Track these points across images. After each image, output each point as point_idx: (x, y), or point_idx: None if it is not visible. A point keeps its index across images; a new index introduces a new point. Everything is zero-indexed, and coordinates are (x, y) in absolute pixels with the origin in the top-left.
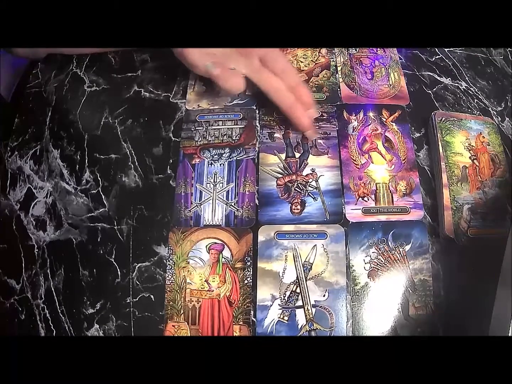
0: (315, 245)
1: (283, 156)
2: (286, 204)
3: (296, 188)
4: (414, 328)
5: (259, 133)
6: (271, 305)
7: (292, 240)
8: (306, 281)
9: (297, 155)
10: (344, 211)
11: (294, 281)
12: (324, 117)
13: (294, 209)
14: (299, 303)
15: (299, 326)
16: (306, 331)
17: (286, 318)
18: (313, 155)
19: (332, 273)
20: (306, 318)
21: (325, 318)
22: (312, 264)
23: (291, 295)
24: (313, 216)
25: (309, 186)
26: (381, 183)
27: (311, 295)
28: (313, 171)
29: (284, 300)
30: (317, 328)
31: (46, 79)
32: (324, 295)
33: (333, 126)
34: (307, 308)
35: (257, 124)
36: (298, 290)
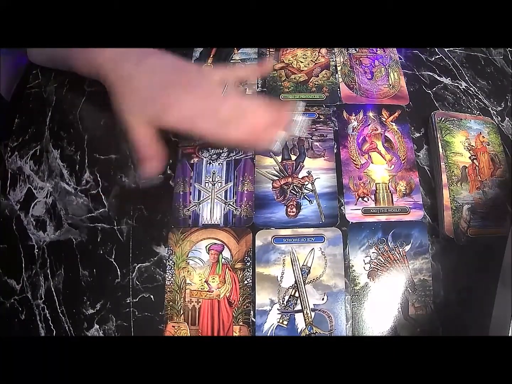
0: (313, 248)
1: (279, 158)
2: (281, 207)
3: (291, 191)
4: (414, 328)
5: None
6: (270, 310)
7: (289, 244)
8: (304, 285)
9: (293, 157)
10: (344, 211)
11: (292, 285)
12: (321, 119)
13: (290, 212)
14: (298, 307)
15: (299, 330)
16: (305, 335)
17: (285, 322)
18: (309, 157)
19: (330, 276)
20: (305, 322)
21: (325, 321)
22: (310, 267)
23: (290, 299)
24: (308, 218)
25: (305, 188)
26: (381, 183)
27: (310, 299)
28: (309, 174)
29: (283, 305)
30: (316, 332)
31: (46, 79)
32: (323, 299)
33: (329, 128)
34: (306, 312)
35: None
36: (296, 294)
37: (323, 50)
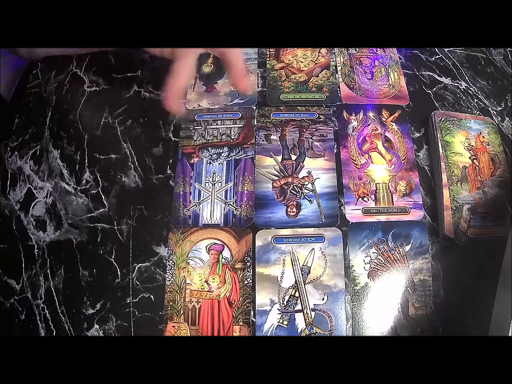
0: (313, 248)
1: (279, 158)
2: (281, 207)
3: (291, 191)
4: (414, 328)
5: (256, 134)
6: (270, 310)
7: (289, 244)
8: (304, 285)
9: (293, 157)
10: (344, 211)
11: (292, 285)
12: (321, 119)
13: (290, 212)
14: (298, 307)
15: (299, 330)
16: (305, 335)
17: (285, 322)
18: (310, 157)
19: (331, 276)
20: (305, 322)
21: (325, 321)
22: (310, 267)
23: (290, 299)
24: (308, 218)
25: (305, 188)
26: (381, 183)
27: (310, 299)
28: (309, 174)
29: (283, 305)
30: (316, 332)
31: (46, 79)
32: (323, 299)
33: (329, 128)
34: (306, 312)
35: (255, 123)
36: (297, 294)
37: (323, 50)
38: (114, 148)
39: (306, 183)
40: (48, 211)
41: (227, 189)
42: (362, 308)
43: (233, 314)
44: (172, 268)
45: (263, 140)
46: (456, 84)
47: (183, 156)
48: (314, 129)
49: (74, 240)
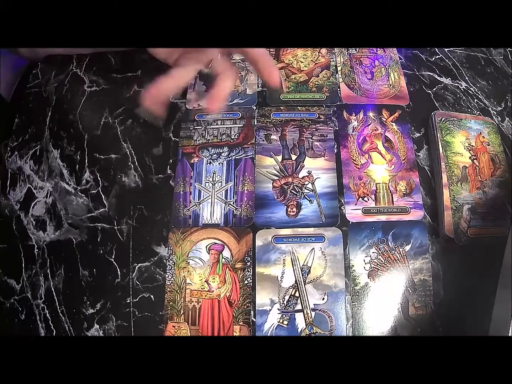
0: (313, 248)
1: (279, 158)
2: (281, 207)
3: (292, 191)
4: (414, 328)
5: (256, 134)
6: (270, 310)
7: (289, 244)
8: (304, 284)
9: (294, 157)
10: (344, 211)
11: (292, 285)
12: (321, 119)
13: (290, 212)
14: (298, 307)
15: (299, 330)
16: (306, 335)
17: (285, 322)
18: (310, 157)
19: (331, 276)
20: (305, 322)
21: (325, 321)
22: (310, 267)
23: (290, 299)
24: (308, 218)
25: (305, 188)
26: (381, 183)
27: (310, 299)
28: (309, 174)
29: (283, 305)
30: (316, 332)
31: (46, 79)
32: (323, 299)
33: (330, 128)
34: (307, 312)
35: (255, 123)
36: (297, 294)
37: (323, 50)
38: (114, 148)
39: (306, 183)
40: (48, 211)
41: (227, 189)
42: (362, 308)
43: (233, 314)
44: (172, 268)
45: (263, 140)
46: (456, 84)
47: (183, 156)
48: (314, 129)
49: (74, 240)
